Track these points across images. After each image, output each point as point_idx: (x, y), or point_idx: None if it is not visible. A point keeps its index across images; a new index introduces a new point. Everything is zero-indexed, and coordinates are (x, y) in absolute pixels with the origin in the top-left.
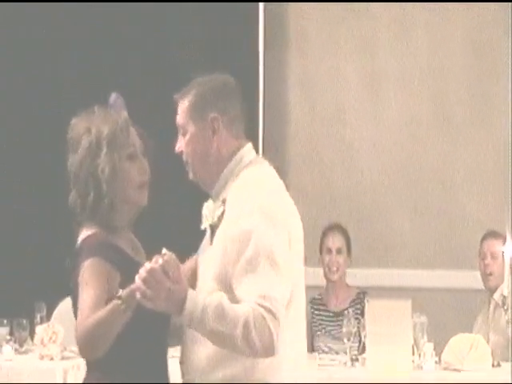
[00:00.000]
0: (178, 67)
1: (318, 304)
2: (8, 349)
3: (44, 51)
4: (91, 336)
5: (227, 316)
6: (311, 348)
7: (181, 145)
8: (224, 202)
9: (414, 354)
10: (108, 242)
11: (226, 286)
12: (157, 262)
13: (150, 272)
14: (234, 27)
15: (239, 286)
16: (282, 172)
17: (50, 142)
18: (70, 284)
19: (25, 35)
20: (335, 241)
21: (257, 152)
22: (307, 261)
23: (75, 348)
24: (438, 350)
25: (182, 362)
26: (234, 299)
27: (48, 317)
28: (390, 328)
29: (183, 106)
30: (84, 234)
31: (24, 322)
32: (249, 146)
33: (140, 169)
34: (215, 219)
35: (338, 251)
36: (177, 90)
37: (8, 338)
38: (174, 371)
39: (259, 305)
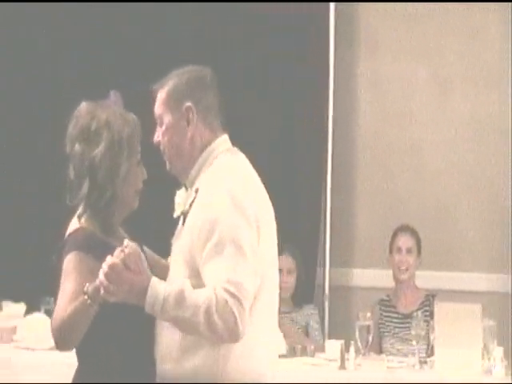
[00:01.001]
0: (253, 67)
1: (386, 306)
2: None
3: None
4: (62, 330)
5: (188, 303)
6: (379, 349)
7: (158, 135)
8: (196, 191)
9: (483, 358)
10: (95, 237)
11: (195, 272)
12: (119, 255)
13: (112, 267)
14: (304, 27)
15: (205, 272)
16: (351, 172)
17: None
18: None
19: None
20: (405, 240)
21: (326, 154)
22: (377, 262)
23: None
24: (508, 355)
25: (156, 351)
26: (201, 285)
27: None
28: (459, 331)
29: (161, 96)
30: (73, 226)
31: None
32: (224, 137)
33: (142, 175)
34: (187, 207)
35: (408, 251)
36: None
37: None
38: None
39: (223, 289)
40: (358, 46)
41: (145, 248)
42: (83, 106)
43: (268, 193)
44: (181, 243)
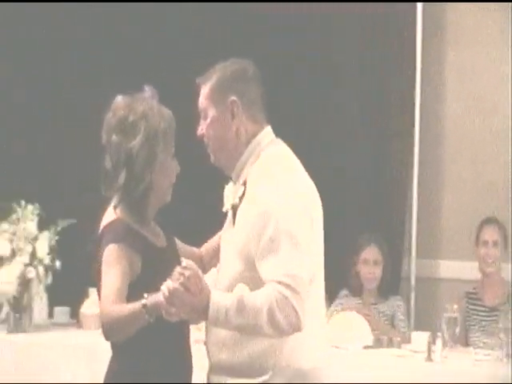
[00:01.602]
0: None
1: (472, 298)
2: None
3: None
4: (113, 326)
5: (249, 308)
6: (465, 342)
7: (202, 128)
8: (244, 183)
9: None
10: (131, 229)
11: (250, 265)
12: (178, 278)
13: (173, 293)
14: (392, 22)
15: (262, 266)
16: (437, 163)
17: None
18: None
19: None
20: (492, 233)
21: (413, 144)
22: (463, 254)
23: None
24: None
25: (206, 343)
26: (257, 277)
27: None
28: None
29: (205, 90)
30: (109, 217)
31: None
32: (267, 129)
33: (176, 168)
34: (236, 200)
35: (495, 244)
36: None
37: None
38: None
39: (280, 283)
40: (444, 36)
41: (176, 240)
42: (120, 98)
43: (355, 185)
44: (233, 237)
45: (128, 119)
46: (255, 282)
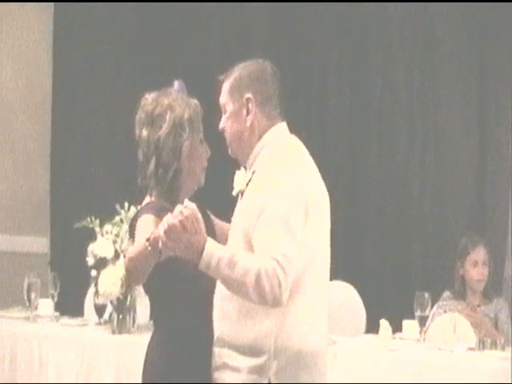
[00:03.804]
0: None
1: None
2: None
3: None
4: (127, 268)
5: (240, 265)
6: None
7: (223, 122)
8: (253, 172)
9: None
10: (164, 207)
11: (249, 245)
12: (177, 215)
13: (170, 227)
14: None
15: (256, 243)
16: None
17: None
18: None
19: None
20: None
21: None
22: None
23: (332, 335)
24: None
25: (214, 318)
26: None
27: None
28: None
29: (225, 87)
30: (147, 200)
31: None
32: (281, 125)
33: (206, 153)
34: (244, 187)
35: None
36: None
37: None
38: None
39: (272, 258)
40: None
41: (213, 218)
42: (148, 95)
43: (459, 187)
44: (238, 218)
45: (155, 112)
46: None
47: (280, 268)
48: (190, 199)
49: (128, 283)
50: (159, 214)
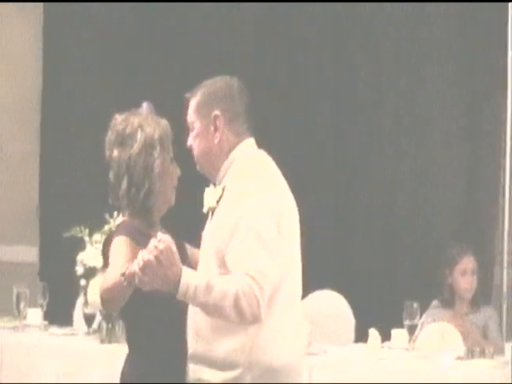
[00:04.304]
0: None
1: None
2: None
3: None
4: (104, 297)
5: (217, 289)
6: None
7: (190, 139)
8: (223, 189)
9: None
10: (137, 228)
11: (222, 262)
12: (152, 251)
13: (146, 263)
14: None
15: (230, 260)
16: None
17: None
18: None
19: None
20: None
21: (504, 156)
22: None
23: (321, 344)
24: None
25: (188, 336)
26: (227, 273)
27: None
28: None
29: (192, 104)
30: (119, 220)
31: None
32: (249, 140)
33: (176, 172)
34: (214, 204)
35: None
36: None
37: None
38: None
39: (247, 275)
40: None
41: (187, 245)
42: (117, 116)
43: (447, 194)
44: (210, 237)
45: (125, 131)
46: None
47: (256, 285)
48: (163, 219)
49: (102, 306)
50: (132, 234)
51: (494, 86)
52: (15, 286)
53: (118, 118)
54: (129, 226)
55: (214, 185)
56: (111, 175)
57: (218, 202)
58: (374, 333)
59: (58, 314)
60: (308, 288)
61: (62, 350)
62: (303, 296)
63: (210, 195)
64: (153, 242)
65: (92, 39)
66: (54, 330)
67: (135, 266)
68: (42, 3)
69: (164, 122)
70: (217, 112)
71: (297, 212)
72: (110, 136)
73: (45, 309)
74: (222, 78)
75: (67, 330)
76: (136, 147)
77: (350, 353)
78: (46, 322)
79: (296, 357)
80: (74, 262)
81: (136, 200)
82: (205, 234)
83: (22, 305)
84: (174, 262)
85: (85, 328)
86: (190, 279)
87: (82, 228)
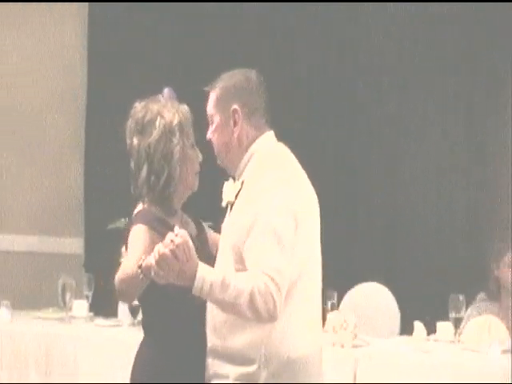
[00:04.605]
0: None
1: None
2: None
3: None
4: (120, 287)
5: (233, 287)
6: None
7: (210, 132)
8: (242, 183)
9: None
10: (156, 216)
11: (239, 258)
12: (168, 245)
13: (162, 257)
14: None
15: (247, 258)
16: None
17: None
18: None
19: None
20: None
21: None
22: None
23: (366, 337)
24: None
25: (207, 331)
26: (244, 269)
27: (338, 304)
28: None
29: (212, 98)
30: (139, 207)
31: None
32: (268, 133)
33: (198, 157)
34: (233, 198)
35: None
36: None
37: None
38: None
39: (264, 273)
40: None
41: (207, 228)
42: (137, 103)
43: (493, 186)
44: (227, 232)
45: (145, 119)
46: None
47: (273, 284)
48: (184, 206)
49: (118, 296)
50: (150, 222)
51: (497, 86)
52: (61, 278)
53: (138, 106)
54: (148, 214)
55: (234, 179)
56: (132, 164)
57: (236, 196)
58: (419, 325)
59: (104, 306)
60: (353, 281)
61: (108, 341)
62: (348, 288)
63: (228, 189)
64: (169, 236)
65: (135, 35)
66: (100, 321)
67: (151, 259)
68: (87, 3)
69: (184, 107)
70: (235, 106)
71: (317, 205)
72: (130, 124)
73: (90, 300)
74: (240, 71)
75: (112, 321)
76: (155, 134)
77: (395, 345)
78: (91, 314)
79: (313, 348)
80: (119, 254)
81: (156, 187)
82: (223, 228)
83: (67, 296)
84: (191, 257)
85: (130, 319)
86: (205, 275)
87: (127, 220)
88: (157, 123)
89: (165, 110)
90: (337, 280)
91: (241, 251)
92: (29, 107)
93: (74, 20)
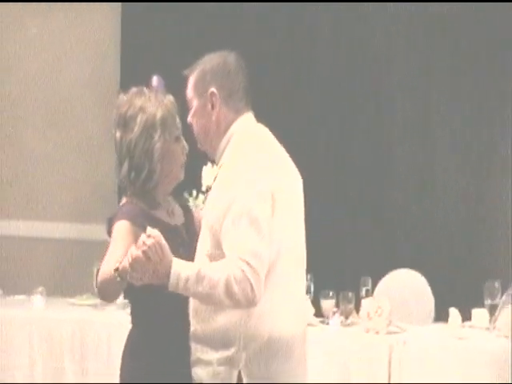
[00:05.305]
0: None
1: None
2: (335, 321)
3: None
4: (100, 289)
5: (207, 279)
6: None
7: (189, 117)
8: (220, 167)
9: None
10: (140, 209)
11: (217, 242)
12: (140, 246)
13: (134, 259)
14: None
15: (224, 243)
16: None
17: None
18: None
19: None
20: None
21: None
22: None
23: (401, 323)
24: None
25: (190, 316)
26: (223, 255)
27: (372, 290)
28: None
29: (190, 82)
30: (123, 201)
31: (350, 294)
32: (247, 115)
33: (183, 149)
34: (211, 182)
35: None
36: None
37: (334, 310)
38: None
39: (240, 259)
40: None
41: (195, 215)
42: (121, 96)
43: None
44: (206, 215)
45: (127, 114)
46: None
47: (250, 269)
48: (171, 192)
49: (99, 296)
50: (133, 217)
51: (497, 86)
52: (94, 265)
53: (122, 100)
54: (131, 208)
55: (214, 162)
56: (116, 157)
57: (215, 179)
58: (454, 312)
59: None
60: (388, 267)
61: None
62: (383, 275)
63: (207, 174)
64: (142, 238)
65: (166, 26)
66: None
67: (125, 262)
68: (120, 3)
69: (169, 99)
70: (213, 89)
71: (299, 186)
72: (115, 117)
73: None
74: (219, 54)
75: None
76: (137, 130)
77: (429, 332)
78: (125, 301)
79: (296, 328)
80: None
81: (136, 183)
82: (204, 209)
83: None
84: (164, 255)
85: None
86: (180, 271)
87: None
88: (138, 119)
89: (148, 104)
90: (371, 266)
91: (218, 235)
92: (64, 97)
93: (108, 9)
